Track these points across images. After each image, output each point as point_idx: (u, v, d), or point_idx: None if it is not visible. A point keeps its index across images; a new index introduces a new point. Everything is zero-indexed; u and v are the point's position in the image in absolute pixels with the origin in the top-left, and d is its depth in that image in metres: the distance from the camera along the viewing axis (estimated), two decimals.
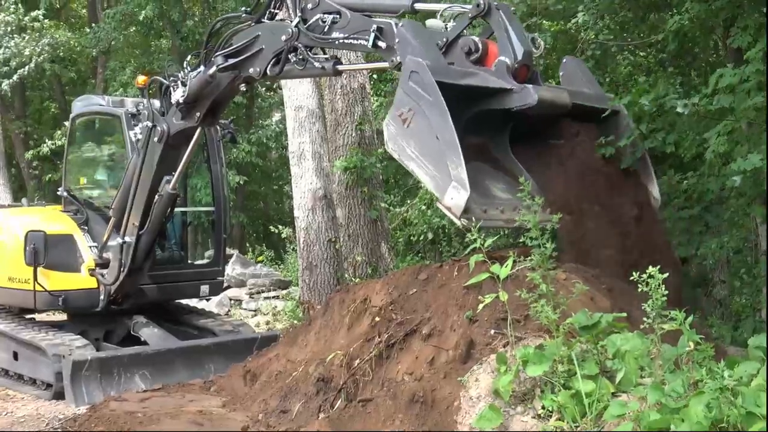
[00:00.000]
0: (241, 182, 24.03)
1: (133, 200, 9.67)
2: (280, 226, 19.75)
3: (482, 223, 6.07)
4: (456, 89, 6.32)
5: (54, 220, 10.88)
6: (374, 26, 7.04)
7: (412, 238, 15.63)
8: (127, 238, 9.77)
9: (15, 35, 22.47)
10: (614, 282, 6.35)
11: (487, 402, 4.71)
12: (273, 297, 16.97)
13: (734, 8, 8.03)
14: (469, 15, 6.93)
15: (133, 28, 25.22)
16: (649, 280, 4.41)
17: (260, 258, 21.07)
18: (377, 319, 6.62)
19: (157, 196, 9.59)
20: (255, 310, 16.66)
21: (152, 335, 10.29)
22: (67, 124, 20.08)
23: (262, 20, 8.27)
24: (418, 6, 7.45)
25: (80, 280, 10.30)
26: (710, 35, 9.67)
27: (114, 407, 8.02)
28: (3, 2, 22.51)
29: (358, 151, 13.27)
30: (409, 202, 16.61)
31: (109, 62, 27.07)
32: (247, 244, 25.41)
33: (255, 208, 30.04)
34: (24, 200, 13.23)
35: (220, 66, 8.30)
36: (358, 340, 6.69)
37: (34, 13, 23.09)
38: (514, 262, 5.46)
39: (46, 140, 24.52)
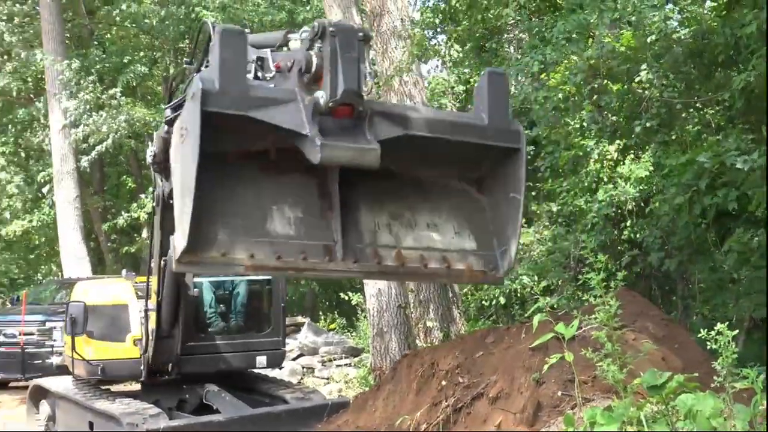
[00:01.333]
0: None
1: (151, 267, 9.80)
2: (350, 293, 19.80)
3: (204, 269, 5.79)
4: (246, 120, 5.65)
5: (113, 291, 11.19)
6: (255, 56, 6.67)
7: (484, 302, 15.51)
8: (149, 305, 9.87)
9: (93, 113, 23.20)
10: (687, 340, 6.23)
11: None
12: (345, 364, 16.98)
13: None
14: (308, 38, 6.24)
15: None
16: (717, 337, 4.31)
17: (332, 326, 21.11)
18: (444, 382, 6.57)
19: (164, 260, 9.34)
20: (327, 378, 16.66)
21: (224, 403, 10.33)
22: (142, 196, 20.58)
23: (201, 68, 8.13)
24: (291, 36, 7.15)
25: (121, 350, 10.49)
26: None
27: None
28: (81, 81, 23.27)
29: None
30: None
31: None
32: (320, 312, 25.48)
33: None
34: (124, 271, 13.45)
35: (167, 119, 8.17)
36: (426, 405, 6.64)
37: (111, 91, 23.83)
38: (581, 321, 5.38)
39: (123, 213, 25.11)
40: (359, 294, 18.67)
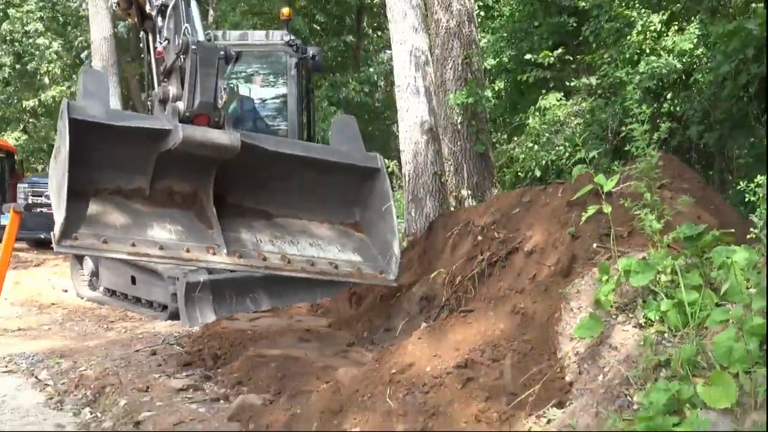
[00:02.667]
0: None
1: None
2: (387, 161, 19.81)
3: (77, 250, 6.70)
4: (115, 130, 6.48)
5: None
6: None
7: (519, 174, 15.51)
8: None
9: None
10: (723, 204, 6.25)
11: (588, 313, 4.71)
12: None
13: None
14: (174, 52, 7.07)
15: None
16: (756, 189, 4.32)
17: None
18: (479, 238, 6.68)
19: None
20: None
21: None
22: None
23: None
24: None
25: None
26: None
27: (225, 325, 8.36)
28: None
29: (474, 85, 13.19)
30: (516, 139, 16.48)
31: (220, 3, 27.49)
32: None
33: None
34: None
35: None
36: (461, 260, 6.77)
37: None
38: (621, 174, 5.39)
39: None
40: (395, 162, 18.73)
